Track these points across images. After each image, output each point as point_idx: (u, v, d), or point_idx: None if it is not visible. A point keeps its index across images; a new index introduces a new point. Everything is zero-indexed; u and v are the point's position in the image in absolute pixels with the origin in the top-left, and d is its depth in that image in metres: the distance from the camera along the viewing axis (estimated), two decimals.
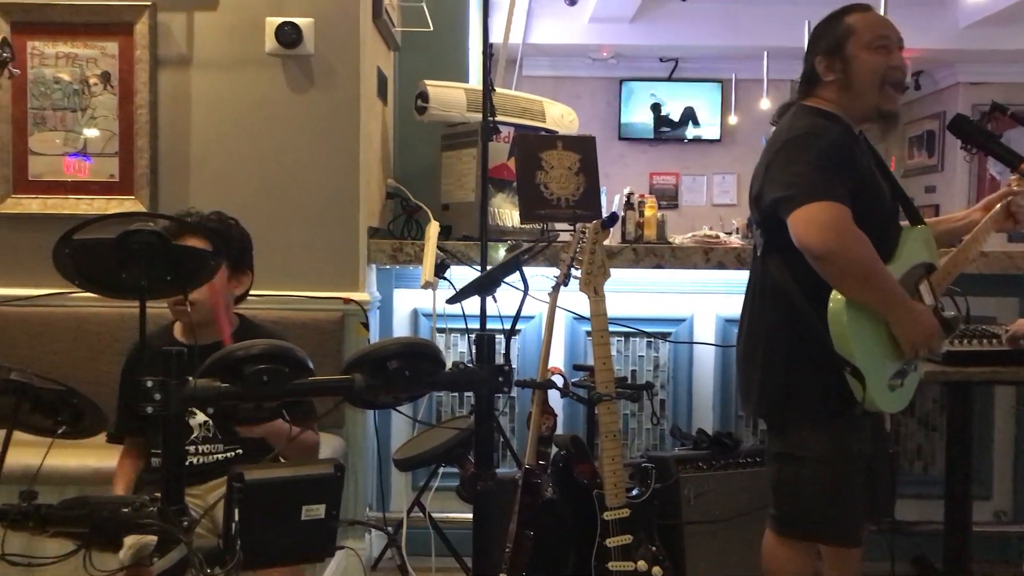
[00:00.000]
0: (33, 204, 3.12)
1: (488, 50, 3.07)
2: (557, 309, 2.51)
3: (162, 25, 3.14)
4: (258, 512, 1.64)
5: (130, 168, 3.14)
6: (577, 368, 2.67)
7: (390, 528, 3.22)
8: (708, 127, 8.91)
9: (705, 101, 8.87)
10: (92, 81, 3.13)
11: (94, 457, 2.54)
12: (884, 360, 2.19)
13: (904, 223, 2.34)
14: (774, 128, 2.35)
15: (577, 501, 2.38)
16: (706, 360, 3.49)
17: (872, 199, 2.21)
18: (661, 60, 8.69)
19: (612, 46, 8.36)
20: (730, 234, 4.05)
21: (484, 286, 2.14)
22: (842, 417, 2.20)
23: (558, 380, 2.51)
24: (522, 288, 2.37)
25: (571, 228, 3.01)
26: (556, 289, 2.51)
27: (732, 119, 8.84)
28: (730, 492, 2.96)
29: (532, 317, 3.39)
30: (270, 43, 3.12)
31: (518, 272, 2.16)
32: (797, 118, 2.27)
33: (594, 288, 2.37)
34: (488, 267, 2.24)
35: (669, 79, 8.81)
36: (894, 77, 2.21)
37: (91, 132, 3.13)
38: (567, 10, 7.92)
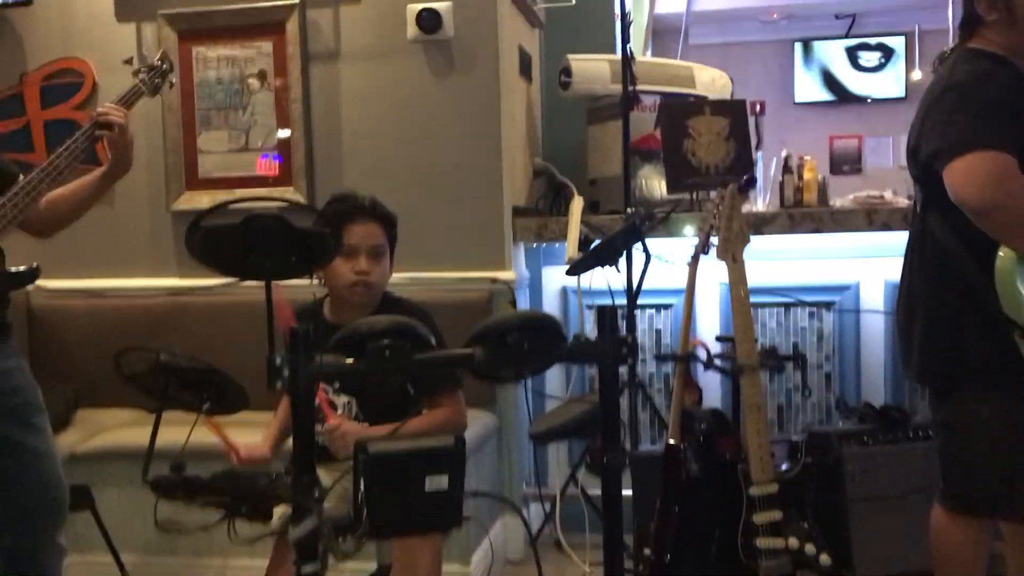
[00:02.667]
0: (204, 199, 3.34)
1: (624, 18, 3.01)
2: (713, 279, 2.42)
3: (311, 22, 3.27)
4: (383, 483, 1.68)
5: (288, 161, 3.30)
6: (720, 340, 2.58)
7: (547, 504, 3.25)
8: (892, 84, 8.35)
9: (887, 57, 8.32)
10: (250, 80, 3.31)
11: (239, 435, 2.69)
12: None
13: None
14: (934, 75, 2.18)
15: (721, 477, 2.29)
16: (875, 329, 3.27)
17: None
18: (837, 17, 8.21)
19: (782, 6, 7.98)
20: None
21: (602, 257, 2.10)
22: (1015, 379, 2.00)
23: (700, 352, 2.43)
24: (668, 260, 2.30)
25: None
26: (695, 258, 2.43)
27: (916, 74, 8.24)
28: (900, 468, 2.76)
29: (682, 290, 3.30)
30: (411, 30, 3.19)
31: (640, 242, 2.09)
32: (959, 64, 2.09)
33: (732, 255, 2.27)
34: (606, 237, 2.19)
35: (846, 36, 8.32)
36: None
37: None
38: None
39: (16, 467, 2.22)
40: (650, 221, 2.25)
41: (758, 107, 6.17)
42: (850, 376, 3.31)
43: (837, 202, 3.29)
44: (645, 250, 2.10)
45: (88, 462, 2.94)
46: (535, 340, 1.79)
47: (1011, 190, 1.90)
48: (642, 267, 2.17)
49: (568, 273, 2.24)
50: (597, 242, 2.31)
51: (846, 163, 8.39)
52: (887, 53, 8.29)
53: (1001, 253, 1.93)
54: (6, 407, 2.21)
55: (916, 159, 2.11)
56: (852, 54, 8.37)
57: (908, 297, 2.17)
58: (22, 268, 2.12)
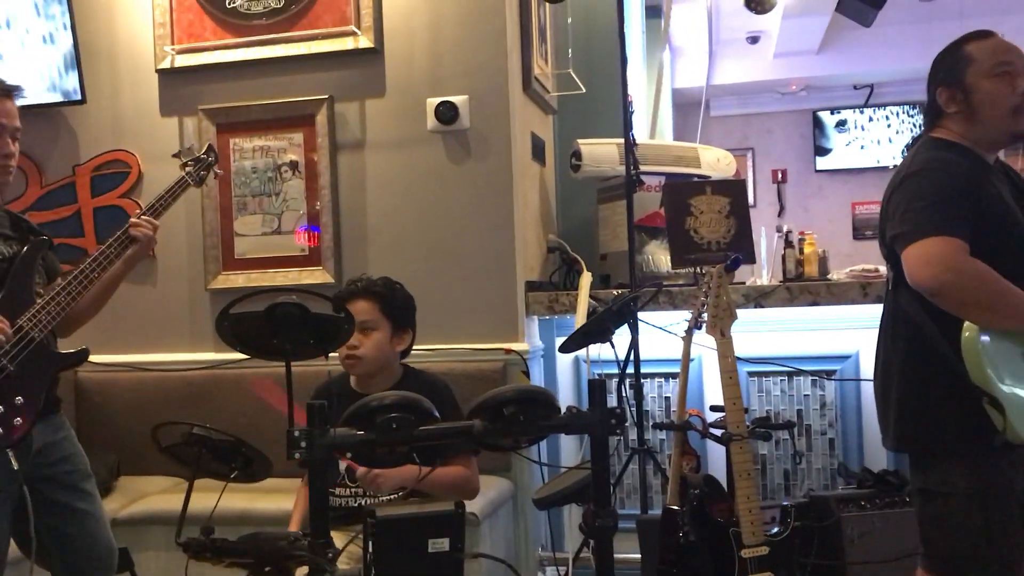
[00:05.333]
0: (239, 279, 3.58)
1: (627, 108, 3.24)
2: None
3: (339, 114, 3.54)
4: (389, 545, 1.86)
5: (317, 243, 3.54)
6: (713, 409, 2.73)
7: (561, 568, 3.37)
8: None
9: (907, 125, 8.49)
10: (283, 168, 3.57)
11: (266, 501, 2.93)
12: None
13: None
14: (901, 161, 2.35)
15: (714, 540, 2.43)
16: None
17: (1005, 227, 2.15)
18: (855, 88, 8.43)
19: (800, 79, 8.22)
20: None
21: (593, 334, 2.28)
22: (986, 448, 2.13)
23: (696, 421, 2.58)
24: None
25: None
26: (689, 332, 2.60)
27: None
28: (897, 532, 2.86)
29: (692, 359, 3.46)
30: (431, 121, 3.44)
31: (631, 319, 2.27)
32: (921, 151, 2.26)
33: (720, 330, 2.44)
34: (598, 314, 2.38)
35: (865, 106, 8.52)
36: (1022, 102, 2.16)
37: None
38: (750, 48, 7.93)
39: (69, 530, 2.41)
40: (635, 302, 2.43)
41: (780, 175, 6.33)
42: (852, 442, 3.42)
43: (834, 276, 3.45)
44: (633, 327, 2.28)
45: (128, 526, 3.13)
46: (530, 412, 1.97)
47: (956, 273, 2.05)
48: (631, 342, 2.34)
49: (560, 350, 2.42)
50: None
51: (868, 228, 8.52)
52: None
53: (965, 326, 2.08)
54: (58, 475, 2.41)
55: (884, 241, 2.28)
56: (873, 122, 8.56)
57: (884, 370, 2.31)
58: (72, 350, 2.34)
